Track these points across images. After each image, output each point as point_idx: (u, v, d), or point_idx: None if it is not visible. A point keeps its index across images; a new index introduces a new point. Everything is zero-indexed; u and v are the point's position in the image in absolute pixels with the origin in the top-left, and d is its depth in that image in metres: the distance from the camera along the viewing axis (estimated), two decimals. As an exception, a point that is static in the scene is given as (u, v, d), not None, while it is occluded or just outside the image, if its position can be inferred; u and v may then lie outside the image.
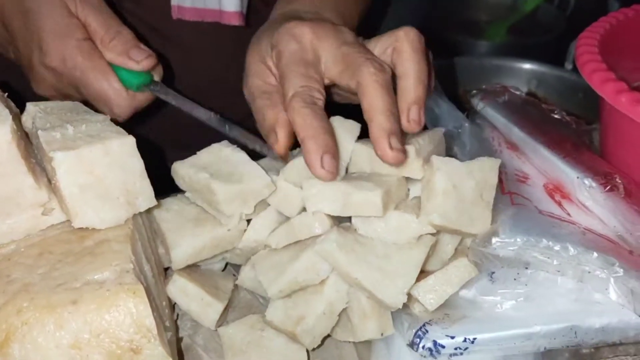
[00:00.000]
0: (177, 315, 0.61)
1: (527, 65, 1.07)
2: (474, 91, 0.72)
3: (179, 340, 0.58)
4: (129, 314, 0.46)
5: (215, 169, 0.56)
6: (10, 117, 0.49)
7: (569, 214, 0.56)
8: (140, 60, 0.62)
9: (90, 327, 0.46)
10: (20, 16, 0.62)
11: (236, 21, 0.78)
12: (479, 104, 0.70)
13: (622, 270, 0.50)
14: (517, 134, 0.64)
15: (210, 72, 0.85)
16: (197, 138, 0.61)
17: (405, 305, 0.55)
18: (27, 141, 0.55)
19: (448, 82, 0.74)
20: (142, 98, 0.65)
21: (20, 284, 0.48)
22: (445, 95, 0.71)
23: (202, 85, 0.82)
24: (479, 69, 1.07)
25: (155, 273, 0.56)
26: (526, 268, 0.53)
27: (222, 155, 0.58)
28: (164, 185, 0.59)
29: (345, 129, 0.56)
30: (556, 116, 0.70)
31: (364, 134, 0.59)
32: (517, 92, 0.72)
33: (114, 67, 0.63)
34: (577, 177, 0.56)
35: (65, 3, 0.62)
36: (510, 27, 1.50)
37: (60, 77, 0.63)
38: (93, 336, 0.45)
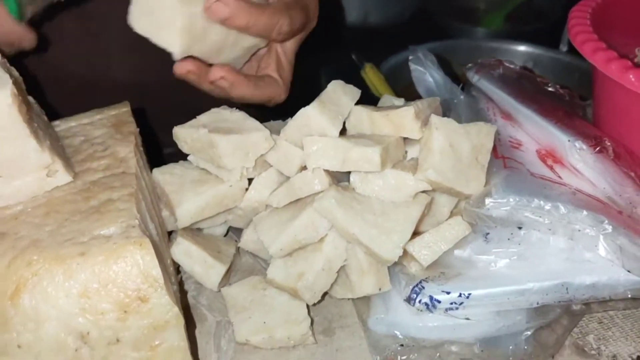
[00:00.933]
0: (181, 277, 0.63)
1: (523, 48, 1.09)
2: (469, 65, 0.74)
3: (184, 298, 0.60)
4: (136, 265, 0.48)
5: (215, 126, 0.58)
6: (11, 81, 0.49)
7: (560, 177, 0.57)
8: None
9: (98, 278, 0.47)
10: None
11: None
12: (474, 77, 0.72)
13: (610, 227, 0.52)
14: (511, 103, 0.65)
15: None
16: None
17: (401, 266, 0.57)
18: (29, 105, 0.56)
19: (444, 63, 0.75)
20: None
21: (29, 240, 0.49)
22: (441, 69, 0.73)
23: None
24: (475, 50, 1.09)
25: (160, 234, 0.58)
26: (519, 228, 0.55)
27: (221, 115, 0.60)
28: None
29: (345, 91, 0.59)
30: (550, 89, 0.72)
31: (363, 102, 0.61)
32: (512, 66, 0.73)
33: None
34: (568, 141, 0.57)
35: None
36: (507, 14, 1.52)
37: None
38: (101, 286, 0.47)
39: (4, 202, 0.52)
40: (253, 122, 0.59)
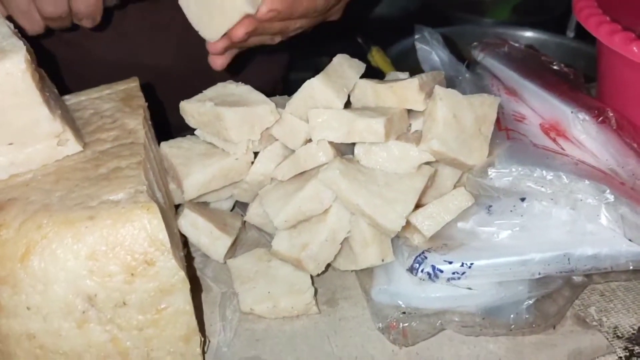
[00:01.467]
0: (188, 251, 0.64)
1: (529, 34, 1.09)
2: (475, 43, 0.74)
3: (191, 270, 0.60)
4: (143, 229, 0.48)
5: (221, 100, 0.59)
6: (25, 47, 0.50)
7: (563, 149, 0.58)
8: None
9: (106, 240, 0.48)
10: None
11: None
12: (479, 55, 0.72)
13: (612, 196, 0.52)
14: (515, 79, 0.66)
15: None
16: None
17: (404, 238, 0.57)
18: (41, 73, 0.57)
19: (450, 44, 0.75)
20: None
21: (39, 205, 0.50)
22: (446, 48, 0.73)
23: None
24: (481, 37, 1.08)
25: (167, 204, 0.59)
26: (522, 200, 0.56)
27: (227, 89, 0.60)
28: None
29: (350, 65, 0.59)
30: (555, 67, 0.72)
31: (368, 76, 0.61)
32: (517, 45, 0.74)
33: None
34: (572, 112, 0.58)
35: None
36: (514, 6, 1.52)
37: None
38: (109, 248, 0.48)
39: (15, 169, 0.53)
40: (259, 95, 0.60)
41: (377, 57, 0.96)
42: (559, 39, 1.08)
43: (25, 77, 0.50)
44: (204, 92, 0.61)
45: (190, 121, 0.61)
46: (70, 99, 0.64)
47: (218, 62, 0.65)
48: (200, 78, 0.72)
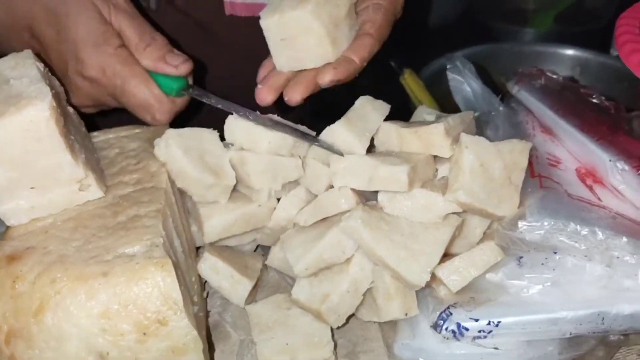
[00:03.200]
0: (207, 293, 0.63)
1: (570, 52, 1.05)
2: (510, 75, 0.71)
3: (207, 316, 0.60)
4: (157, 287, 0.47)
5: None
6: (50, 94, 0.50)
7: (599, 199, 0.55)
8: (177, 64, 0.61)
9: (119, 298, 0.47)
10: (52, 27, 0.61)
11: None
12: (514, 88, 0.69)
13: (653, 255, 0.49)
14: (551, 116, 0.63)
15: None
16: None
17: (430, 288, 0.55)
18: (67, 117, 0.57)
19: (483, 72, 0.72)
20: (181, 102, 0.64)
21: (55, 256, 0.50)
22: (480, 79, 0.71)
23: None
24: (520, 55, 1.05)
25: (186, 249, 0.58)
26: (554, 253, 0.53)
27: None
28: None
29: (374, 107, 0.57)
30: (594, 100, 0.68)
31: (392, 117, 0.59)
32: (554, 76, 0.70)
33: (150, 74, 0.62)
34: (610, 160, 0.55)
35: (98, 9, 0.62)
36: (557, 15, 1.47)
37: (99, 87, 0.62)
38: (122, 307, 0.47)
39: (36, 213, 0.53)
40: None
41: (409, 81, 0.93)
42: (602, 57, 1.03)
43: (49, 124, 0.50)
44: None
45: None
46: (99, 136, 0.64)
47: (269, 97, 0.59)
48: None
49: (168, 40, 0.64)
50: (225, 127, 0.59)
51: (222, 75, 0.81)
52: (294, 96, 0.57)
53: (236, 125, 0.58)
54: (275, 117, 0.60)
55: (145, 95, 0.61)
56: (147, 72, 0.62)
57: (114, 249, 0.50)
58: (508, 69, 1.01)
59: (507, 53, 1.04)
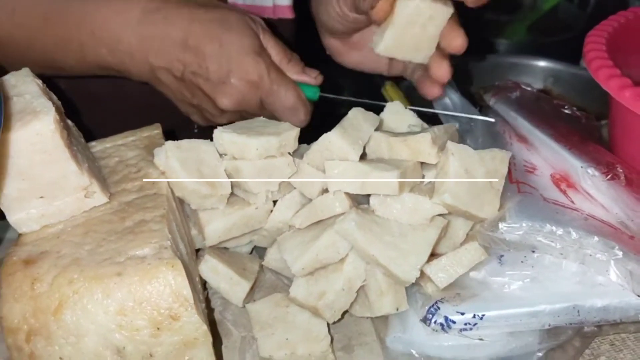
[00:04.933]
0: (208, 293, 0.66)
1: (543, 63, 1.10)
2: (487, 87, 0.76)
3: (211, 314, 0.63)
4: (168, 285, 0.51)
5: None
6: (54, 108, 0.53)
7: (572, 202, 0.59)
8: (315, 76, 0.72)
9: (134, 296, 0.51)
10: (214, 40, 0.68)
11: (289, 14, 0.84)
12: (491, 100, 0.74)
13: (621, 253, 0.54)
14: (526, 127, 0.67)
15: None
16: None
17: (419, 285, 0.59)
18: (68, 129, 0.60)
19: (462, 80, 0.77)
20: (312, 106, 0.73)
21: (70, 259, 0.53)
22: (459, 91, 0.75)
23: None
24: (495, 67, 1.10)
25: (189, 252, 0.61)
26: (533, 252, 0.57)
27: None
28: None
29: (365, 118, 0.61)
30: (566, 111, 0.74)
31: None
32: (529, 89, 0.76)
33: None
34: (581, 167, 0.59)
35: (254, 32, 0.70)
36: (530, 25, 1.52)
37: (256, 90, 0.69)
38: (137, 304, 0.50)
39: (46, 220, 0.56)
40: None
41: (390, 92, 0.98)
42: (573, 69, 1.09)
43: (54, 136, 0.53)
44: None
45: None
46: (96, 146, 0.66)
47: (436, 91, 0.71)
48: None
49: None
50: (214, 140, 0.62)
51: None
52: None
53: (223, 137, 0.61)
54: None
55: (296, 100, 0.70)
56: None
57: (125, 252, 0.53)
58: (483, 80, 1.07)
59: (482, 65, 1.10)
